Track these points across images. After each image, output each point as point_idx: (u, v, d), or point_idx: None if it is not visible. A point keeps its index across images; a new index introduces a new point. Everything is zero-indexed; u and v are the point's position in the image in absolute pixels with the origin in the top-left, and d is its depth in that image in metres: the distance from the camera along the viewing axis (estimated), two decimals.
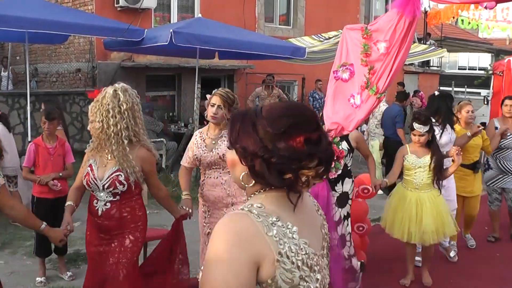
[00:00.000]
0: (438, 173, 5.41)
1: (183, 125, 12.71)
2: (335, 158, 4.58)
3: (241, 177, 1.79)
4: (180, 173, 4.81)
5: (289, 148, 1.69)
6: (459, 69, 34.41)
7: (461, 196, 6.56)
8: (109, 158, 3.85)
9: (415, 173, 5.47)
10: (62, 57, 14.06)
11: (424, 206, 5.39)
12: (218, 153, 4.48)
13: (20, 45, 11.39)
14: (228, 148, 1.83)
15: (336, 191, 5.14)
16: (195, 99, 9.97)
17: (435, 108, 6.22)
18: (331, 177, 4.92)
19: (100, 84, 12.03)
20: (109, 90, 3.79)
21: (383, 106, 10.14)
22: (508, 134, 6.85)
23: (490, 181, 7.13)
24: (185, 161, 4.75)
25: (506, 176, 6.97)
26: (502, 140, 6.85)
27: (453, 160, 5.45)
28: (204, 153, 4.54)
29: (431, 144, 5.45)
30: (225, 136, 4.45)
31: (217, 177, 4.55)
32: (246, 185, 1.80)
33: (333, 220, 4.72)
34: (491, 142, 6.74)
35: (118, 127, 3.74)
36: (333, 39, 11.29)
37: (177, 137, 11.44)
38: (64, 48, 13.67)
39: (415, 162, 5.45)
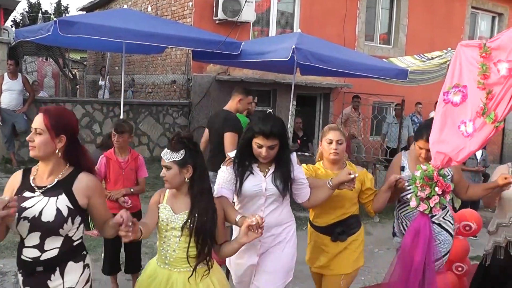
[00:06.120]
0: (203, 244, 3.15)
1: None
2: (440, 193, 3.88)
3: None
4: None
5: None
6: None
7: (317, 274, 4.27)
8: None
9: (164, 236, 3.21)
10: (158, 68, 14.23)
11: None
12: None
13: (119, 56, 11.55)
14: None
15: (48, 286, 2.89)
16: (290, 117, 9.61)
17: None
18: (434, 213, 3.88)
19: (194, 97, 12.01)
20: None
21: None
22: (407, 184, 4.07)
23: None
24: None
25: None
26: (404, 193, 4.24)
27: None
28: None
29: (192, 190, 3.21)
30: None
31: None
32: None
33: (433, 263, 4.01)
34: (377, 195, 4.10)
35: None
36: (437, 59, 10.66)
37: None
38: (161, 60, 13.82)
39: (168, 218, 3.19)
